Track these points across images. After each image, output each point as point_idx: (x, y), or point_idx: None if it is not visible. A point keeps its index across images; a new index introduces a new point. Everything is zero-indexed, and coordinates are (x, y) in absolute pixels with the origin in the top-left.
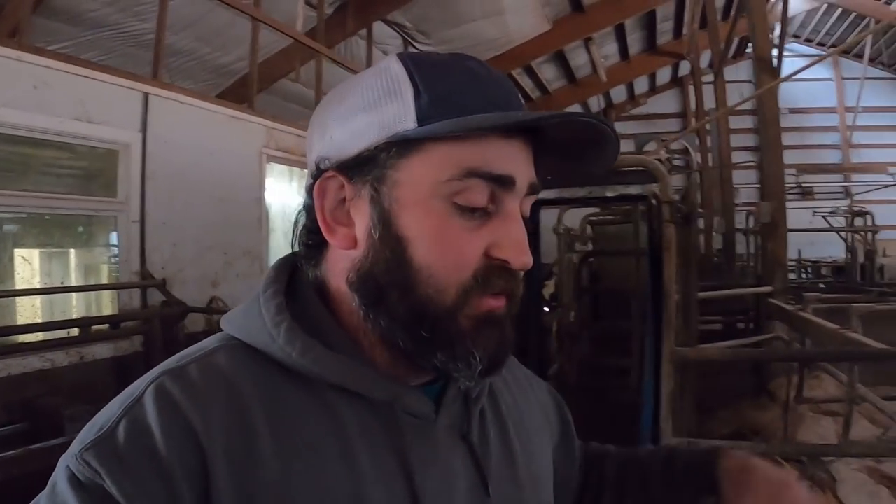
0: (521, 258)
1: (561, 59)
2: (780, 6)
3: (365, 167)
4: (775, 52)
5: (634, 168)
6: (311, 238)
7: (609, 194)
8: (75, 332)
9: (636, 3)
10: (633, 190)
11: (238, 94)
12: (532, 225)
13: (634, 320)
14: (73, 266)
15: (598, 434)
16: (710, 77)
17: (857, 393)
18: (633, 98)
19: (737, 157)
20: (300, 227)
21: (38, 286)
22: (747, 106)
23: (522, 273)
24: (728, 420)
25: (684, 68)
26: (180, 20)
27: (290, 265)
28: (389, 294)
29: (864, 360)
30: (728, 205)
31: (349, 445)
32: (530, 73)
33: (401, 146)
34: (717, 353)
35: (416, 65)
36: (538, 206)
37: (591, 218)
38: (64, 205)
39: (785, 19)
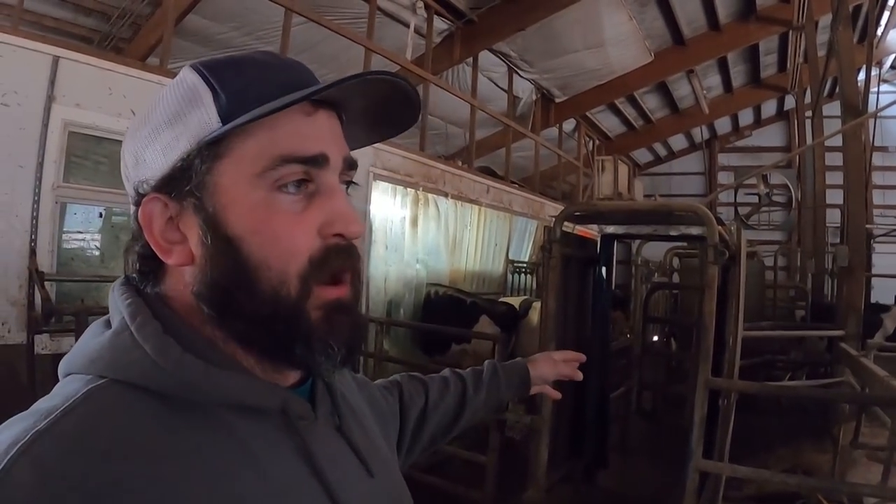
0: (351, 227)
1: (664, 90)
2: (884, 42)
3: (182, 179)
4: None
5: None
6: (147, 264)
7: (672, 233)
8: None
9: (737, 38)
10: (695, 230)
11: None
12: (605, 256)
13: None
14: None
15: (651, 452)
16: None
17: None
18: (737, 130)
19: (835, 195)
20: (132, 254)
21: None
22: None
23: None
24: (786, 458)
25: (791, 101)
26: (300, 44)
27: (133, 289)
28: (237, 297)
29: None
30: (819, 245)
31: (259, 463)
32: (633, 102)
33: (211, 148)
34: (744, 385)
35: (209, 69)
36: (610, 240)
37: (678, 251)
38: None
39: (870, 60)
